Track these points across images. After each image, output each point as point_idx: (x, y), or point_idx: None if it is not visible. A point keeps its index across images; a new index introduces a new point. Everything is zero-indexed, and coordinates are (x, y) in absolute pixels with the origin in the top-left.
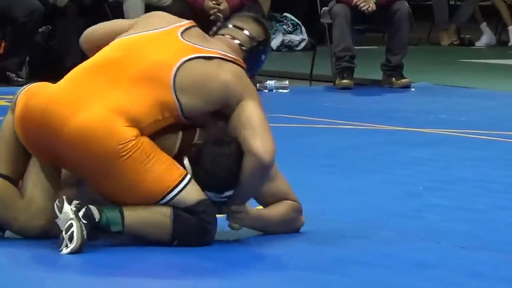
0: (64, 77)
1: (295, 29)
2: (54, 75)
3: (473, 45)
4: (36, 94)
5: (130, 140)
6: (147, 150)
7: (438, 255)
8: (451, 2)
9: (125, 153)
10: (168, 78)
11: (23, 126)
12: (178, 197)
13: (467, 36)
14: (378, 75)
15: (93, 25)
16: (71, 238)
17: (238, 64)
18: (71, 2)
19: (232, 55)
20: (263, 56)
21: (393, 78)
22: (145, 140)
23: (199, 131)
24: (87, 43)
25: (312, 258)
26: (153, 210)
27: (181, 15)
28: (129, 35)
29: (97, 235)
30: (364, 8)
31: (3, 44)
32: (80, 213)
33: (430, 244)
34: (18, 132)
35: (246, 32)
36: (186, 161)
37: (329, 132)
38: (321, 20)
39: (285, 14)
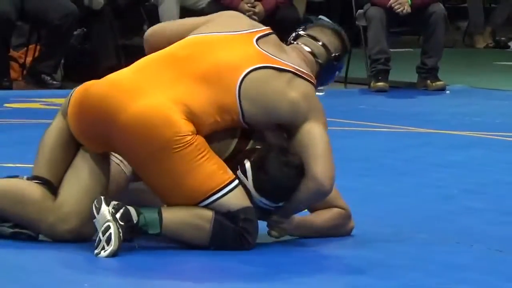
0: (130, 66)
1: None
2: (89, 78)
3: (508, 47)
4: (97, 82)
5: (187, 135)
6: (201, 148)
7: (473, 258)
8: (486, 5)
9: (179, 145)
10: (234, 81)
11: (79, 115)
12: (222, 200)
13: (502, 38)
14: (413, 78)
15: (128, 27)
16: (108, 241)
17: (309, 81)
18: (106, 4)
19: (305, 70)
20: (337, 72)
21: (428, 81)
22: (200, 138)
23: (254, 139)
24: (154, 37)
25: (350, 262)
26: (193, 214)
27: None
28: (202, 34)
29: (134, 236)
30: (399, 10)
31: (38, 47)
32: (118, 215)
33: (465, 247)
34: (71, 124)
35: (322, 44)
36: (248, 164)
37: (364, 135)
38: (356, 22)
39: (320, 16)
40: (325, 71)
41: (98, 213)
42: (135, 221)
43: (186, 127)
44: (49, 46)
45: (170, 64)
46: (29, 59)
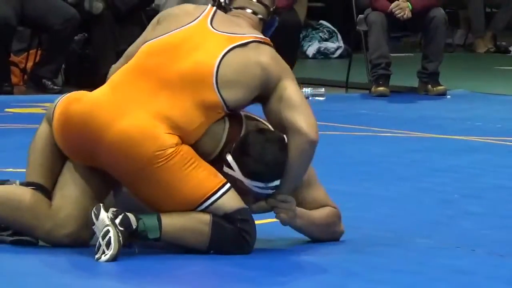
0: (105, 83)
1: (331, 36)
2: (90, 83)
3: (509, 52)
4: (78, 100)
5: (169, 147)
6: (187, 157)
7: (474, 262)
8: (487, 10)
9: (162, 159)
10: (210, 77)
11: (63, 132)
12: (216, 203)
13: (503, 43)
14: (414, 82)
15: (129, 32)
16: (108, 245)
17: (268, 44)
18: (107, 9)
19: (259, 34)
20: (275, 24)
21: (429, 85)
22: (185, 147)
23: (246, 125)
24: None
25: (349, 266)
26: (191, 218)
27: None
28: (159, 37)
29: (133, 242)
30: (399, 15)
31: (39, 52)
32: (117, 220)
33: (466, 251)
34: (56, 138)
35: (258, 0)
36: (229, 157)
37: (365, 140)
38: (357, 27)
39: (321, 21)
40: (267, 27)
41: (97, 219)
42: (134, 227)
43: (169, 140)
44: (50, 51)
45: (143, 76)
46: (30, 64)
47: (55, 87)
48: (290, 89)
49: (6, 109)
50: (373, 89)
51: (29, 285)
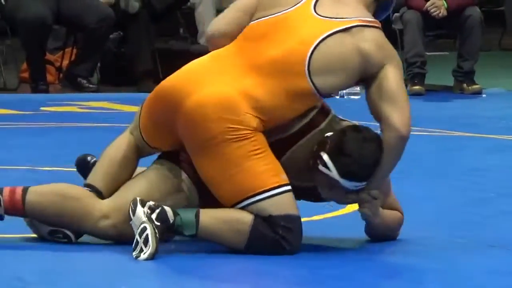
0: (210, 52)
1: None
2: (125, 81)
3: None
4: (171, 76)
5: (245, 128)
6: (256, 145)
7: (510, 262)
8: None
9: (232, 136)
10: (301, 65)
11: (151, 104)
12: (266, 202)
13: None
14: (450, 81)
15: (165, 31)
16: (146, 242)
17: (376, 27)
18: (143, 8)
19: (367, 17)
20: (390, 7)
21: (465, 84)
22: (260, 136)
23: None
24: (215, 37)
25: (385, 267)
26: (231, 217)
27: None
28: (263, 18)
29: (170, 237)
30: (435, 13)
31: (74, 50)
32: (154, 215)
33: (503, 251)
34: (142, 119)
35: None
36: (325, 156)
37: None
38: (392, 26)
39: None
40: (381, 9)
41: (134, 214)
42: (171, 221)
43: (248, 121)
44: (86, 49)
45: (239, 56)
46: (65, 62)
47: (91, 86)
48: (390, 79)
49: (42, 108)
50: (408, 87)
51: (65, 283)
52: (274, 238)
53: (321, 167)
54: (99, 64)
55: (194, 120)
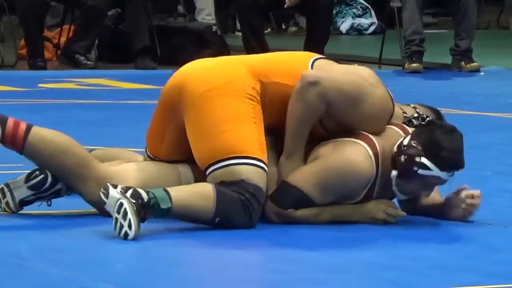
0: None
1: (364, 12)
2: (123, 58)
3: None
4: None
5: (246, 84)
6: (254, 113)
7: (507, 239)
8: None
9: (235, 93)
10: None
11: (157, 110)
12: (246, 167)
13: None
14: (448, 59)
15: (162, 8)
16: (125, 216)
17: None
18: None
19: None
20: None
21: (463, 62)
22: (259, 109)
23: None
24: None
25: (385, 238)
26: (196, 186)
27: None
28: None
29: (147, 213)
30: None
31: (72, 27)
32: (128, 194)
33: (498, 228)
34: (148, 132)
35: None
36: (423, 159)
37: None
38: (391, 3)
39: None
40: None
41: (107, 197)
42: (145, 199)
43: (247, 80)
44: (83, 26)
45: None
46: (63, 39)
47: (88, 63)
48: None
49: (39, 84)
50: (406, 65)
51: (65, 260)
52: (240, 198)
53: (421, 171)
54: (96, 41)
55: (197, 78)
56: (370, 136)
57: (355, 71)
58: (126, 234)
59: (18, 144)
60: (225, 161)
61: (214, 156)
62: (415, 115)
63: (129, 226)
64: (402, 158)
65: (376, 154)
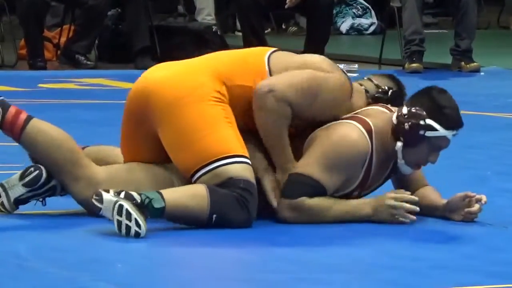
0: None
1: (364, 12)
2: (123, 58)
3: None
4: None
5: (214, 90)
6: (227, 114)
7: (507, 239)
8: None
9: (204, 98)
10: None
11: (124, 119)
12: (229, 166)
13: None
14: (448, 59)
15: (162, 9)
16: (129, 216)
17: None
18: None
19: None
20: None
21: (463, 62)
22: (229, 108)
23: None
24: None
25: (383, 241)
26: (187, 187)
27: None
28: None
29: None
30: None
31: (72, 27)
32: (122, 195)
33: (498, 228)
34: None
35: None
36: (427, 120)
37: None
38: (391, 3)
39: None
40: None
41: (102, 202)
42: (138, 200)
43: (213, 84)
44: (83, 26)
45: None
46: (63, 39)
47: (88, 63)
48: None
49: (39, 84)
50: (406, 65)
51: (63, 259)
52: (234, 195)
53: (428, 133)
54: (96, 41)
55: (164, 87)
56: (360, 116)
57: (306, 62)
58: (137, 233)
59: (16, 132)
60: (209, 165)
61: (197, 163)
62: (379, 90)
63: (138, 225)
64: (406, 125)
65: (369, 131)
